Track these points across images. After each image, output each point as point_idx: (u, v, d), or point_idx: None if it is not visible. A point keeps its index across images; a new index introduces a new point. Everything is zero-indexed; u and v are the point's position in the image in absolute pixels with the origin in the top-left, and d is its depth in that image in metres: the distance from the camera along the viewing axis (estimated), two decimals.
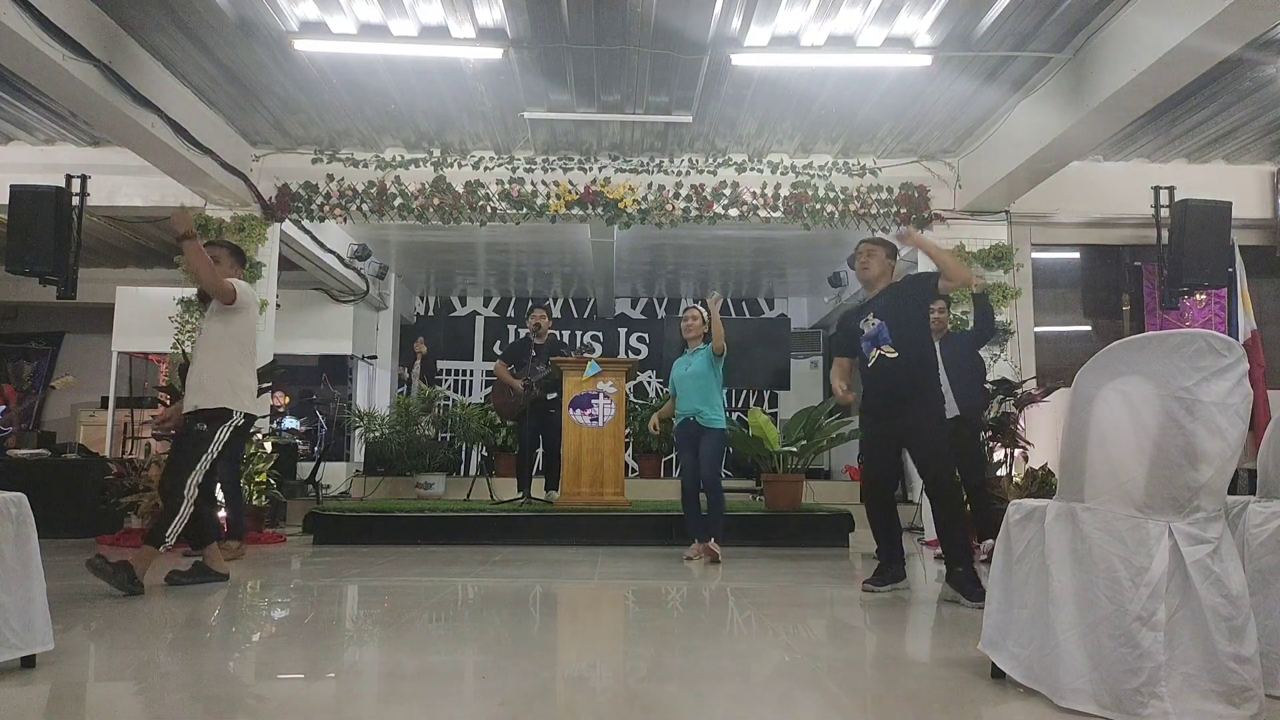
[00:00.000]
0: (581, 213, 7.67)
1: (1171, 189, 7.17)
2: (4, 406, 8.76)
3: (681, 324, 5.90)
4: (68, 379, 8.63)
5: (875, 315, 4.35)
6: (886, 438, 4.37)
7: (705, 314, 5.74)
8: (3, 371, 9.29)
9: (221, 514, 5.69)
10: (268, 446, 7.25)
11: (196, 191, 7.24)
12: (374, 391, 11.45)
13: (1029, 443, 6.72)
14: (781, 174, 7.67)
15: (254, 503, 6.71)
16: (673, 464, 10.93)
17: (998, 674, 2.46)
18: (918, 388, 4.25)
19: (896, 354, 4.25)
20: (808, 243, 9.45)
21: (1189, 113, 6.72)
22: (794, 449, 7.06)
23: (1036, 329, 7.88)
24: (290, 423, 10.73)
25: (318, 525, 6.70)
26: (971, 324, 6.36)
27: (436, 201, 7.59)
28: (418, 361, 11.01)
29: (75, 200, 6.83)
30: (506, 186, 7.62)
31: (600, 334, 13.11)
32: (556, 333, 7.83)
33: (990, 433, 6.70)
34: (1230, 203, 6.93)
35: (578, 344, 12.87)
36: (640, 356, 12.79)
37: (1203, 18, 4.52)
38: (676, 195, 7.64)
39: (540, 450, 7.64)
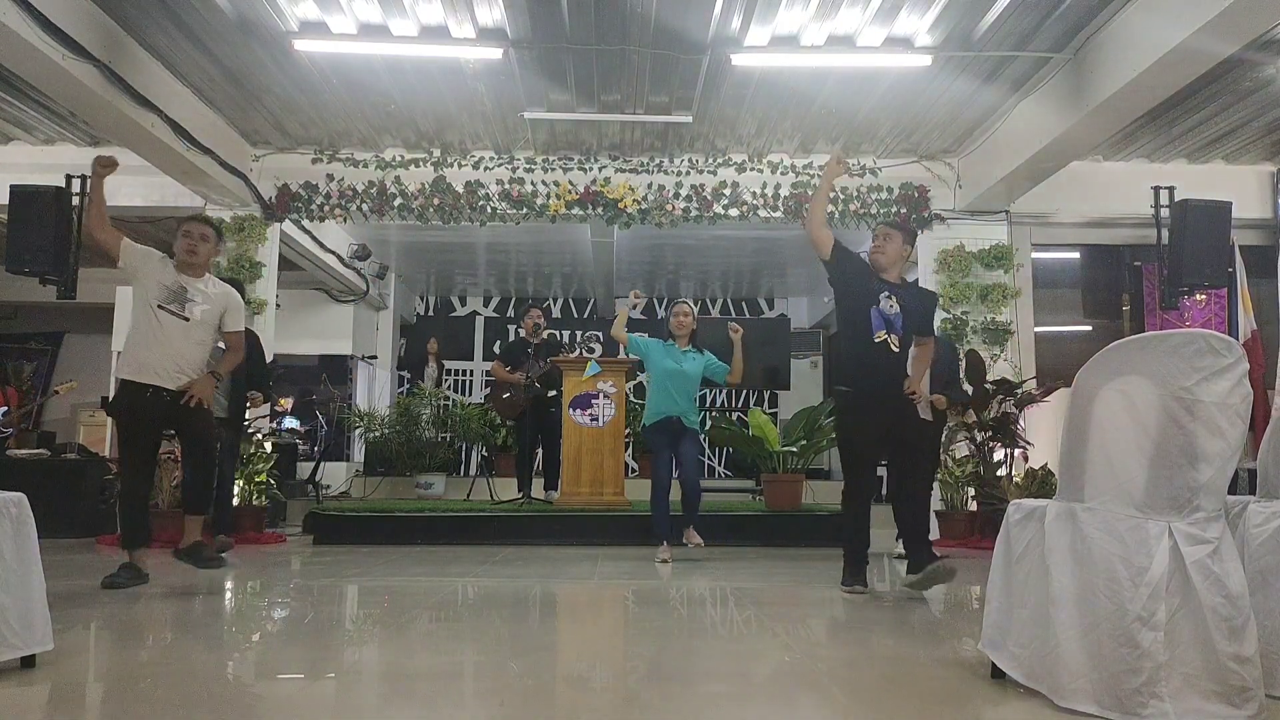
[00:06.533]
0: (581, 213, 7.67)
1: (1171, 189, 7.16)
2: (5, 408, 8.75)
3: (671, 320, 5.70)
4: (71, 384, 8.64)
5: (897, 302, 4.25)
6: (880, 425, 4.22)
7: (695, 312, 5.75)
8: (3, 373, 9.28)
9: None
10: (268, 446, 7.25)
11: (196, 191, 7.24)
12: (374, 391, 11.45)
13: (1029, 443, 6.72)
14: (781, 174, 7.67)
15: (254, 503, 6.72)
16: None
17: (998, 674, 2.46)
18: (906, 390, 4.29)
19: (898, 351, 4.24)
20: (808, 243, 9.42)
21: (1189, 113, 6.71)
22: (794, 449, 7.07)
23: (1036, 329, 7.88)
24: (290, 423, 10.73)
25: (318, 525, 6.70)
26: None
27: (436, 201, 7.59)
28: (432, 361, 10.98)
29: (75, 200, 6.83)
30: (506, 186, 7.61)
31: (600, 334, 13.10)
32: (555, 333, 7.81)
33: (990, 432, 6.71)
34: (1230, 203, 6.92)
35: (577, 342, 12.86)
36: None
37: (1203, 18, 4.52)
38: (676, 195, 7.64)
39: (540, 450, 7.63)
